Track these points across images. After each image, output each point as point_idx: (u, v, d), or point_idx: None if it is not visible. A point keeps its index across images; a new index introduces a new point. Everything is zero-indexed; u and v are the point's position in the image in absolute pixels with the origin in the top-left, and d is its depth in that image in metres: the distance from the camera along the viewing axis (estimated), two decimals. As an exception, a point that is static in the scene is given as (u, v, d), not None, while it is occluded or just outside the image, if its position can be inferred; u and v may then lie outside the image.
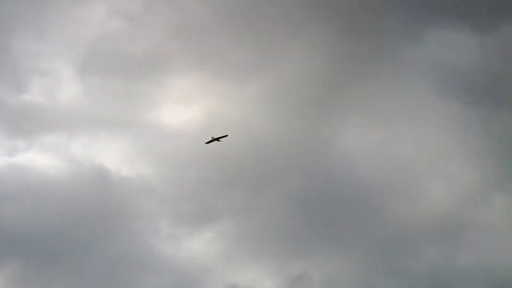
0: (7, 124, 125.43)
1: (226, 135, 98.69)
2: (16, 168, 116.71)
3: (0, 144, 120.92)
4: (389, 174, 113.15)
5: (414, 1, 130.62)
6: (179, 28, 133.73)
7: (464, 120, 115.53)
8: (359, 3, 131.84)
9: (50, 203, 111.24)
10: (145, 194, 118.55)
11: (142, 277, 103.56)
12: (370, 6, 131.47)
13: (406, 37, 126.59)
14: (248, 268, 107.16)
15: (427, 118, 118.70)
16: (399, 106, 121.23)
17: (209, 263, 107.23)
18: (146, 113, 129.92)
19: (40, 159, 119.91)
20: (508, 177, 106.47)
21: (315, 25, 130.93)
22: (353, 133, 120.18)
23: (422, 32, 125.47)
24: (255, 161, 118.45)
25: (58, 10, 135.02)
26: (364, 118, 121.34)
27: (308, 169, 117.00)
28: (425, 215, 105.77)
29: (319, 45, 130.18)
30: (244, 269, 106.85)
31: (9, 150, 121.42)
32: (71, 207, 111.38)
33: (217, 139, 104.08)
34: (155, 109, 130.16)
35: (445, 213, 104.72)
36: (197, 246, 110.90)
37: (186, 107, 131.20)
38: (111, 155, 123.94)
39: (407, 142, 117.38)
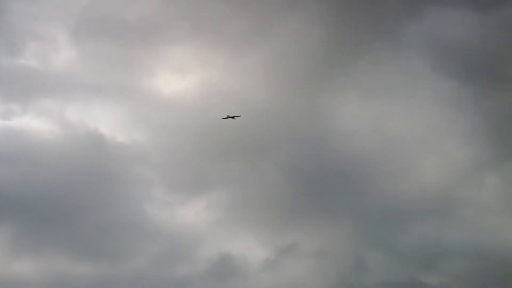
0: (1, 88, 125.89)
1: (240, 115, 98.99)
2: (12, 131, 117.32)
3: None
4: (383, 150, 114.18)
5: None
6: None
7: (460, 98, 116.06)
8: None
9: (45, 166, 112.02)
10: (139, 161, 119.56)
11: (135, 242, 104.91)
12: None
13: (405, 12, 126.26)
14: (240, 237, 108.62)
15: (423, 95, 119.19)
16: (396, 82, 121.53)
17: (201, 231, 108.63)
18: (141, 80, 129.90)
19: (35, 123, 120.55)
20: (500, 157, 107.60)
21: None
22: (349, 107, 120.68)
23: (422, 8, 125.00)
24: (251, 132, 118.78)
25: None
26: (361, 93, 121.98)
27: (303, 142, 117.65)
28: (417, 191, 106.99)
29: (318, 18, 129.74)
30: (236, 238, 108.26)
31: (4, 114, 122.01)
32: (66, 171, 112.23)
33: (232, 117, 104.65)
34: (151, 77, 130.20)
35: (436, 190, 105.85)
36: (191, 214, 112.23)
37: (182, 76, 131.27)
38: (106, 121, 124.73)
39: (402, 118, 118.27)
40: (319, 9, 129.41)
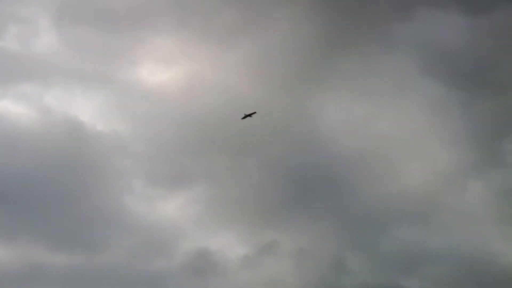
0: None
1: (255, 112, 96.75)
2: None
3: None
4: (368, 151, 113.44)
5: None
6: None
7: (447, 103, 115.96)
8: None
9: (22, 152, 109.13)
10: (119, 151, 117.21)
11: (112, 234, 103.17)
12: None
13: (396, 14, 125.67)
14: (219, 233, 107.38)
15: (410, 98, 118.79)
16: (384, 83, 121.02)
17: (181, 226, 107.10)
18: (125, 69, 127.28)
19: (13, 107, 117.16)
20: (484, 163, 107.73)
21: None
22: (336, 107, 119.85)
23: (413, 10, 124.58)
24: (235, 128, 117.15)
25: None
26: (348, 93, 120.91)
27: (288, 140, 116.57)
28: (400, 194, 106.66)
29: (307, 15, 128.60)
30: (216, 234, 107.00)
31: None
32: (43, 158, 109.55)
33: (250, 115, 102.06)
34: (134, 66, 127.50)
35: (420, 194, 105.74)
36: (171, 208, 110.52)
37: (167, 67, 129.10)
38: (86, 109, 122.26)
39: (389, 120, 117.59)
40: (309, 7, 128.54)
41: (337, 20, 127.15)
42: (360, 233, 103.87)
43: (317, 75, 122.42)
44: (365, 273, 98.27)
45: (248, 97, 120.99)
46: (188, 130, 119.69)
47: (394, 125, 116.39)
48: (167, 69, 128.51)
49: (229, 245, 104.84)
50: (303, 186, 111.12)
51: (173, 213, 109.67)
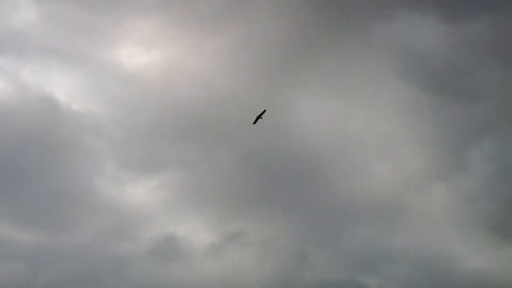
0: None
1: (265, 110, 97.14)
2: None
3: None
4: (338, 149, 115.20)
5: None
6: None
7: (419, 106, 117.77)
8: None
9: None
10: (93, 132, 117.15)
11: (79, 214, 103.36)
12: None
13: (375, 13, 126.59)
14: (187, 220, 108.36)
15: (383, 98, 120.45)
16: (358, 82, 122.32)
17: (149, 211, 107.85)
18: (103, 49, 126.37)
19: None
20: (450, 169, 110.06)
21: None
22: (310, 102, 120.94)
23: (392, 11, 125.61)
24: (210, 116, 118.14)
25: None
26: (322, 89, 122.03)
27: (260, 132, 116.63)
28: (365, 194, 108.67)
29: (288, 8, 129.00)
30: (184, 221, 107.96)
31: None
32: (15, 132, 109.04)
33: (261, 116, 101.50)
34: (114, 47, 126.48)
35: (385, 195, 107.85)
36: (140, 192, 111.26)
37: (147, 50, 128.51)
38: (63, 87, 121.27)
39: (360, 120, 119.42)
40: (288, 2, 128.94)
41: (317, 15, 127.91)
42: (325, 228, 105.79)
43: (294, 69, 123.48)
44: (327, 269, 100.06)
45: (225, 86, 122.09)
46: (164, 115, 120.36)
47: (366, 125, 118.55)
48: (147, 52, 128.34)
49: (196, 232, 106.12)
50: (272, 178, 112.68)
51: (142, 197, 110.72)
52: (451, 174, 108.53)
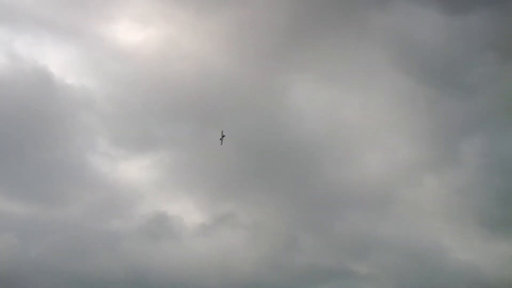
0: None
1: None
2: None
3: None
4: (332, 136, 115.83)
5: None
6: None
7: (413, 97, 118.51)
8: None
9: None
10: (86, 107, 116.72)
11: (72, 189, 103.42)
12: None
13: (375, 4, 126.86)
14: (178, 199, 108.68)
15: (378, 87, 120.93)
16: (355, 70, 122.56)
17: (141, 189, 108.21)
18: (99, 24, 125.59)
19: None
20: (440, 160, 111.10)
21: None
22: (306, 88, 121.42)
23: (392, 2, 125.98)
24: (204, 96, 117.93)
25: None
26: (319, 76, 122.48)
27: (255, 114, 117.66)
28: (358, 181, 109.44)
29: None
30: (175, 200, 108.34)
31: None
32: (9, 105, 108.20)
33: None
34: (110, 22, 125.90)
35: (377, 184, 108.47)
36: (133, 170, 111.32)
37: (143, 27, 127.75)
38: (57, 60, 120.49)
39: (355, 107, 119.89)
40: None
41: (316, 3, 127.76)
42: (316, 214, 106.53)
43: (291, 54, 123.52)
44: (317, 254, 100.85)
45: (220, 67, 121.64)
46: (158, 94, 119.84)
47: (360, 113, 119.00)
48: (143, 29, 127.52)
49: (187, 212, 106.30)
50: (265, 161, 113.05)
51: (135, 175, 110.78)
52: (443, 166, 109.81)
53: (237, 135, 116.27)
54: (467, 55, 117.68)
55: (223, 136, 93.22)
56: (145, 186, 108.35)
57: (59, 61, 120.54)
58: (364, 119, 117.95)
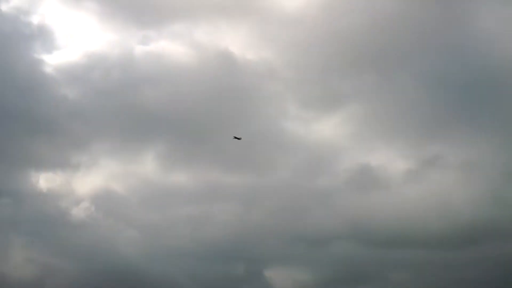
0: (136, 15, 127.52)
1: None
2: (150, 55, 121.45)
3: (131, 34, 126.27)
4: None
5: None
6: None
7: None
8: None
9: (183, 87, 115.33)
10: (269, 78, 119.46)
11: (276, 155, 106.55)
12: None
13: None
14: (379, 149, 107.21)
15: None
16: None
17: (339, 145, 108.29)
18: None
19: (170, 46, 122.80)
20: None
21: None
22: (491, 9, 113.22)
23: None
24: (381, 42, 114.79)
25: None
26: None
27: (440, 49, 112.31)
28: None
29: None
30: (375, 150, 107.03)
31: (141, 39, 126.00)
32: (202, 90, 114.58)
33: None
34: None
35: None
36: (326, 128, 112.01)
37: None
38: (234, 40, 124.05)
39: None
40: None
41: None
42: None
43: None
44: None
45: (392, 9, 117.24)
46: (333, 51, 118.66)
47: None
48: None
49: (389, 160, 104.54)
50: (463, 96, 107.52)
51: (329, 133, 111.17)
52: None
53: (425, 74, 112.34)
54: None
55: (239, 138, 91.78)
56: (342, 141, 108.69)
57: (236, 41, 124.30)
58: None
